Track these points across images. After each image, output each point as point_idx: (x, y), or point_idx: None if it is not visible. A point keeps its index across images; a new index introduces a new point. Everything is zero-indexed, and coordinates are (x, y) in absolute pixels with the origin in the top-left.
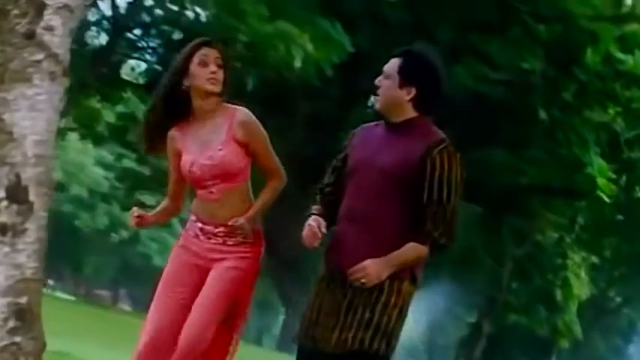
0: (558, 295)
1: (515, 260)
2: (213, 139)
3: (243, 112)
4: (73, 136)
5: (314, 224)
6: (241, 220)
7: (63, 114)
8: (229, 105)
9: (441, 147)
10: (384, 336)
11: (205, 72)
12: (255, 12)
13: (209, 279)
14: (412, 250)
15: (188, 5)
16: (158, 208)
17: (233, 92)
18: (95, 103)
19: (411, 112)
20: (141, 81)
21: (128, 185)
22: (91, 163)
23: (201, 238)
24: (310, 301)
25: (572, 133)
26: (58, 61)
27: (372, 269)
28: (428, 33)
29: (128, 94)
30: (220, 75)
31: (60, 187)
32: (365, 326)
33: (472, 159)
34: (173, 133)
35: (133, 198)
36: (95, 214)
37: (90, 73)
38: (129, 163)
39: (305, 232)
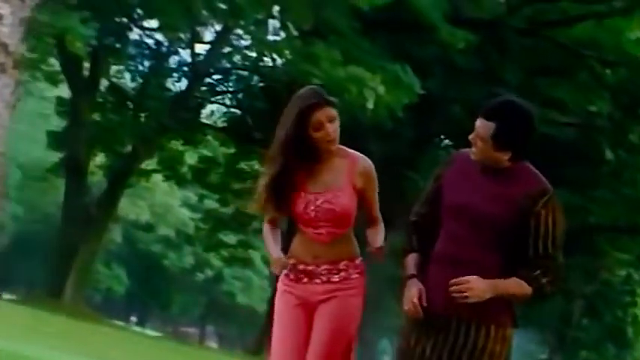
0: (629, 332)
1: (585, 297)
2: (332, 183)
3: (365, 162)
4: (159, 178)
5: (417, 301)
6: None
7: (147, 156)
8: (349, 150)
9: (545, 199)
10: None
11: (321, 135)
12: (328, 57)
13: (320, 322)
14: (518, 284)
15: (265, 52)
16: (273, 242)
17: None
18: (178, 146)
19: (509, 163)
20: (220, 124)
21: (211, 226)
22: (178, 204)
23: (304, 280)
24: (407, 338)
25: (638, 173)
26: (7, 52)
27: (477, 284)
28: (496, 78)
29: (209, 138)
30: (335, 131)
31: (149, 227)
32: None
33: None
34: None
35: (214, 238)
36: (182, 254)
37: (171, 117)
38: (211, 204)
39: (407, 304)
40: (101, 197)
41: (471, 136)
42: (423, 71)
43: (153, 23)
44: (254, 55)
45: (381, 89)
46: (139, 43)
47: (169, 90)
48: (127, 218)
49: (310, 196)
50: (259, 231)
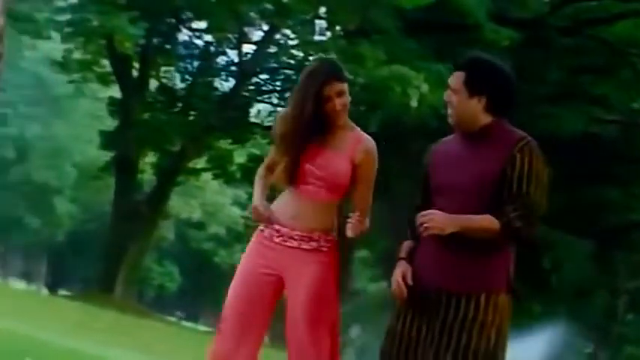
0: None
1: (629, 293)
2: (334, 149)
3: (370, 142)
4: (209, 177)
5: (400, 279)
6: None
7: (196, 154)
8: (357, 128)
9: (521, 144)
10: (486, 358)
11: (330, 108)
12: (373, 56)
13: (297, 288)
14: (485, 218)
15: (312, 51)
16: (261, 190)
17: None
18: (227, 144)
19: (487, 118)
20: (267, 123)
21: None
22: (229, 202)
23: (276, 239)
24: (397, 318)
25: None
26: None
27: (439, 217)
28: (539, 76)
29: (256, 136)
30: (343, 105)
31: (200, 225)
32: (463, 353)
33: (584, 196)
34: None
35: None
36: (232, 251)
37: (219, 117)
38: None
39: (393, 285)
40: (151, 195)
41: (445, 96)
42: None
43: (201, 24)
44: (300, 54)
45: (425, 88)
46: (188, 44)
47: (217, 89)
48: (180, 217)
49: (310, 157)
50: None
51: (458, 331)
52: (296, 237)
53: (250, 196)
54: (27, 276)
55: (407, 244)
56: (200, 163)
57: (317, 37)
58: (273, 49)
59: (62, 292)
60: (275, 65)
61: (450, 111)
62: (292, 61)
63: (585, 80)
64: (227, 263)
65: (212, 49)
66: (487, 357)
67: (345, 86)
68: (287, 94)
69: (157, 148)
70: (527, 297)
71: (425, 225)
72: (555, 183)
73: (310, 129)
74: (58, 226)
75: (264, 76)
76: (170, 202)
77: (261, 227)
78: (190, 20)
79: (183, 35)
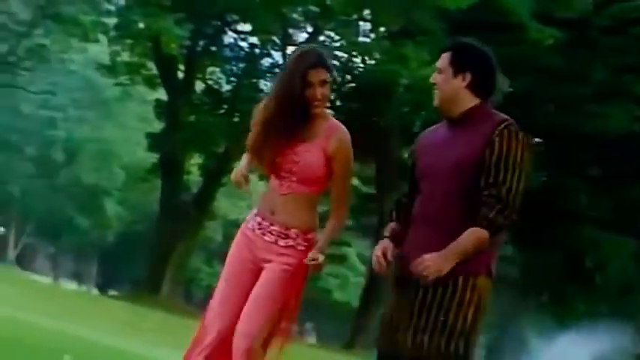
0: None
1: None
2: (306, 139)
3: (342, 131)
4: (255, 177)
5: (380, 253)
6: (315, 256)
7: (241, 155)
8: (334, 119)
9: (501, 128)
10: (460, 337)
11: (310, 94)
12: (416, 57)
13: (261, 279)
14: (471, 235)
15: (356, 53)
16: (247, 164)
17: (401, 135)
18: None
19: (470, 100)
20: None
21: None
22: None
23: (257, 232)
24: (386, 305)
25: None
26: None
27: (431, 261)
28: (583, 76)
29: None
30: (323, 95)
31: None
32: (440, 329)
33: (628, 195)
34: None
35: None
36: None
37: None
38: None
39: (373, 260)
40: (196, 196)
41: (431, 78)
42: (510, 70)
43: (246, 27)
44: (345, 55)
45: None
46: (233, 46)
47: (262, 91)
48: (227, 218)
49: (286, 149)
50: (352, 228)
51: (436, 311)
52: (273, 232)
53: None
54: (78, 277)
55: (391, 225)
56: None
57: (361, 39)
58: None
59: (112, 292)
60: None
61: (435, 93)
62: (337, 63)
63: (629, 79)
64: None
65: (257, 51)
66: (462, 336)
67: (329, 78)
68: (331, 96)
69: (203, 149)
70: (572, 296)
71: (424, 274)
72: (600, 182)
73: (295, 115)
74: (107, 227)
75: None
76: (217, 204)
77: (247, 217)
78: (235, 22)
79: (229, 37)
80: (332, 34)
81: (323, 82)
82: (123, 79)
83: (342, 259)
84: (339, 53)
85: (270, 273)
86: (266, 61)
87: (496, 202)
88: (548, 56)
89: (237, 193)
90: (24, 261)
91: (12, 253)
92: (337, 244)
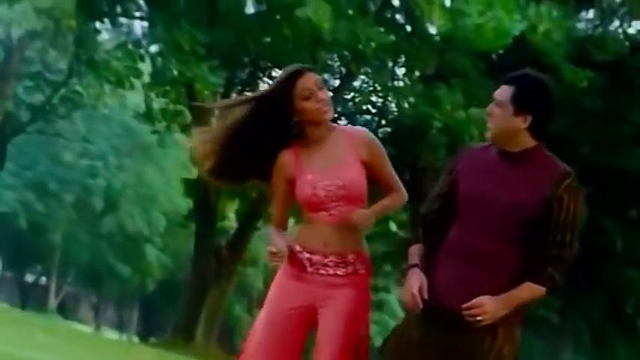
0: None
1: None
2: (336, 160)
3: (363, 132)
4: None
5: (416, 291)
6: (360, 216)
7: None
8: (340, 126)
9: (567, 183)
10: None
11: (313, 104)
12: (450, 100)
13: (331, 316)
14: (529, 290)
15: (389, 96)
16: (279, 235)
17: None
18: None
19: (527, 141)
20: None
21: None
22: None
23: (309, 269)
24: (405, 331)
25: None
26: None
27: (490, 307)
28: (621, 117)
29: None
30: (327, 98)
31: None
32: None
33: None
34: (287, 158)
35: None
36: None
37: None
38: None
39: (405, 294)
40: (231, 240)
41: (488, 108)
42: None
43: (280, 72)
44: (379, 100)
45: None
46: None
47: None
48: (268, 264)
49: (315, 178)
50: (390, 274)
51: (471, 358)
52: (330, 264)
53: None
54: (119, 325)
55: (418, 249)
56: None
57: (395, 83)
58: (350, 95)
59: (152, 340)
60: (353, 111)
61: (489, 124)
62: (370, 107)
63: None
64: None
65: None
66: None
67: (314, 76)
68: None
69: (236, 194)
70: (613, 339)
71: (477, 318)
72: (638, 223)
73: (283, 126)
74: (148, 274)
75: (342, 122)
76: (257, 250)
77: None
78: (269, 68)
79: (263, 83)
80: (366, 78)
81: (319, 85)
82: (160, 126)
83: (381, 306)
84: (373, 98)
85: (339, 307)
86: None
87: (561, 263)
88: (585, 97)
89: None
90: (66, 310)
91: (53, 302)
92: (376, 290)
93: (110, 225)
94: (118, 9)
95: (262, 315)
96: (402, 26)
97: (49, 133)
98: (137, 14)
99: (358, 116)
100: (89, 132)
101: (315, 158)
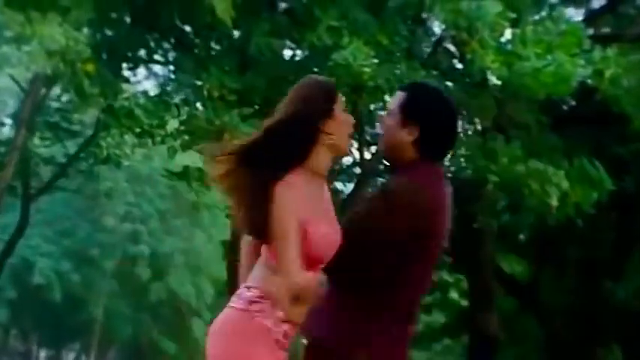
0: None
1: None
2: (330, 210)
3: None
4: None
5: None
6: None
7: None
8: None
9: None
10: None
11: (347, 129)
12: (507, 152)
13: None
14: None
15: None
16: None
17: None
18: None
19: (413, 156)
20: None
21: None
22: None
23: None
24: None
25: None
26: None
27: None
28: None
29: None
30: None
31: None
32: None
33: None
34: (297, 193)
35: None
36: None
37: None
38: None
39: None
40: None
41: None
42: (619, 167)
43: None
44: None
45: (565, 184)
46: None
47: (341, 192)
48: None
49: (330, 230)
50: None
51: None
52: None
53: None
54: None
55: None
56: None
57: None
58: None
59: None
60: None
61: (380, 135)
62: None
63: None
64: None
65: None
66: None
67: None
68: None
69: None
70: None
71: None
72: None
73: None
74: (195, 351)
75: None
76: None
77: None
78: None
79: None
80: None
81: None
82: (196, 185)
83: None
84: None
85: None
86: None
87: None
88: None
89: None
90: None
91: None
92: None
93: (154, 296)
94: (142, 52)
95: None
96: (459, 72)
97: (83, 193)
98: (161, 59)
99: None
100: (131, 194)
101: (321, 200)
